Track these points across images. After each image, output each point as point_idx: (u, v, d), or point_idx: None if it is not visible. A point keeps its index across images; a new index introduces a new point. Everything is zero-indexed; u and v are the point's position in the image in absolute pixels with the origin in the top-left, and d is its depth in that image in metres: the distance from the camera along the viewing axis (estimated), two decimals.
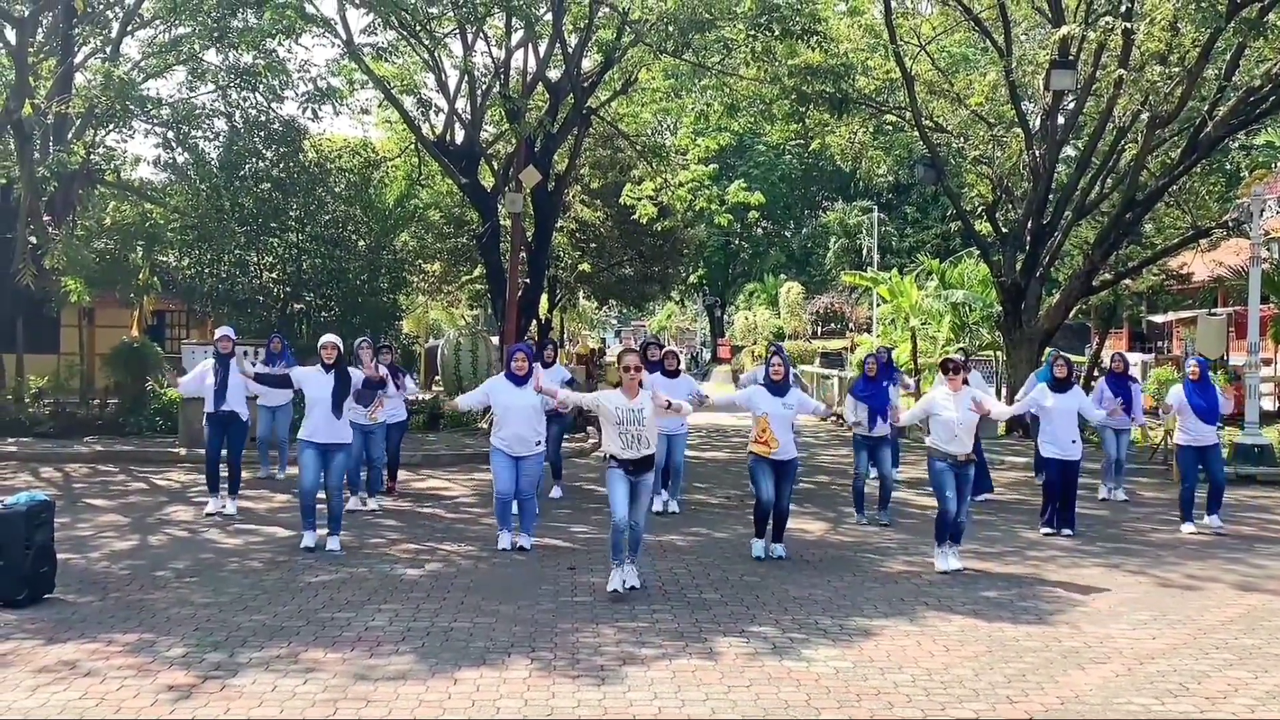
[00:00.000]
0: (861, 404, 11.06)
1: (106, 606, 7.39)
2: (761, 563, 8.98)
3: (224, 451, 11.09)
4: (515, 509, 9.36)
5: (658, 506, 11.11)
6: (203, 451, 11.55)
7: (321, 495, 9.37)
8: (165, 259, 19.81)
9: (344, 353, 9.53)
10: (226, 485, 11.04)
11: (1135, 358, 27.22)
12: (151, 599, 7.59)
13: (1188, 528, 10.72)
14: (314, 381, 9.25)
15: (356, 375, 9.52)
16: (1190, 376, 10.88)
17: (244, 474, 12.48)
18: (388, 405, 11.50)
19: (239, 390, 11.00)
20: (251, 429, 13.11)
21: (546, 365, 11.83)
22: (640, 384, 7.88)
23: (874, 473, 11.28)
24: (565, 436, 16.40)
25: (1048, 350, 13.07)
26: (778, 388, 9.03)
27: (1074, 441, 10.23)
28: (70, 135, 18.13)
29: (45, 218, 17.54)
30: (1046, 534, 10.32)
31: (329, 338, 9.41)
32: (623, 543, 7.74)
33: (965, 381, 8.93)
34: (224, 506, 10.94)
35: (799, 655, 6.47)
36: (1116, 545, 10.05)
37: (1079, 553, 9.63)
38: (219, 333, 11.28)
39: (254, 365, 12.54)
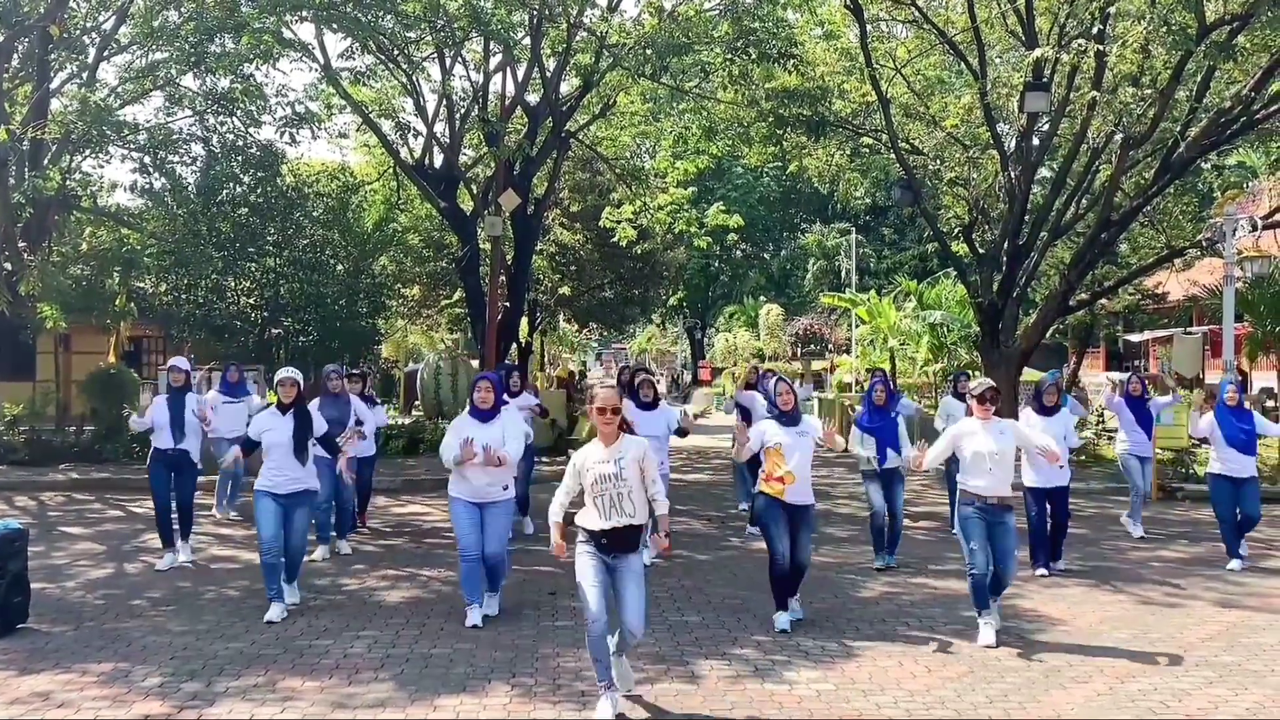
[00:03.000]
0: (868, 438, 9.73)
1: (81, 636, 7.30)
2: (743, 584, 8.93)
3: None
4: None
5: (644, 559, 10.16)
6: None
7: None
8: (142, 285, 19.74)
9: (305, 388, 8.34)
10: (179, 531, 9.89)
11: (1116, 376, 27.38)
12: (127, 628, 7.50)
13: (1235, 564, 9.86)
14: (270, 426, 8.03)
15: (318, 418, 8.35)
16: (1228, 401, 10.01)
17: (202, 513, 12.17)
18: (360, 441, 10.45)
19: (195, 427, 9.94)
20: (212, 467, 12.30)
21: (513, 394, 11.01)
22: (623, 427, 6.06)
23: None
24: (542, 458, 16.23)
25: (1045, 374, 12.05)
26: (789, 417, 7.66)
27: (1061, 466, 9.29)
28: (46, 161, 18.02)
29: (21, 244, 17.41)
30: (1042, 574, 9.45)
31: (286, 374, 8.21)
32: (605, 651, 5.84)
33: (998, 414, 7.64)
34: (177, 557, 9.78)
35: (781, 677, 6.45)
36: (1097, 564, 10.07)
37: (1060, 572, 9.63)
38: (170, 363, 10.24)
39: (213, 392, 12.06)
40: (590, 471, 5.89)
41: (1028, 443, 7.81)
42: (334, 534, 10.45)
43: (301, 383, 8.24)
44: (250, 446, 8.20)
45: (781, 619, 7.59)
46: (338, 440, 8.87)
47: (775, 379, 8.14)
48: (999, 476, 7.36)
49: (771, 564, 7.57)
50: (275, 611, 7.78)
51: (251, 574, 9.35)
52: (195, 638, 7.23)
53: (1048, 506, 9.56)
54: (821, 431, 7.84)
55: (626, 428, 6.10)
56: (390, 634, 7.34)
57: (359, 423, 10.40)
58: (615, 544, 5.84)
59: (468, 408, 7.87)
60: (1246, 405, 10.22)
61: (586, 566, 5.87)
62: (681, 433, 10.15)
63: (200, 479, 10.37)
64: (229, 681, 6.28)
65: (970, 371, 16.57)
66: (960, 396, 11.87)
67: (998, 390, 7.67)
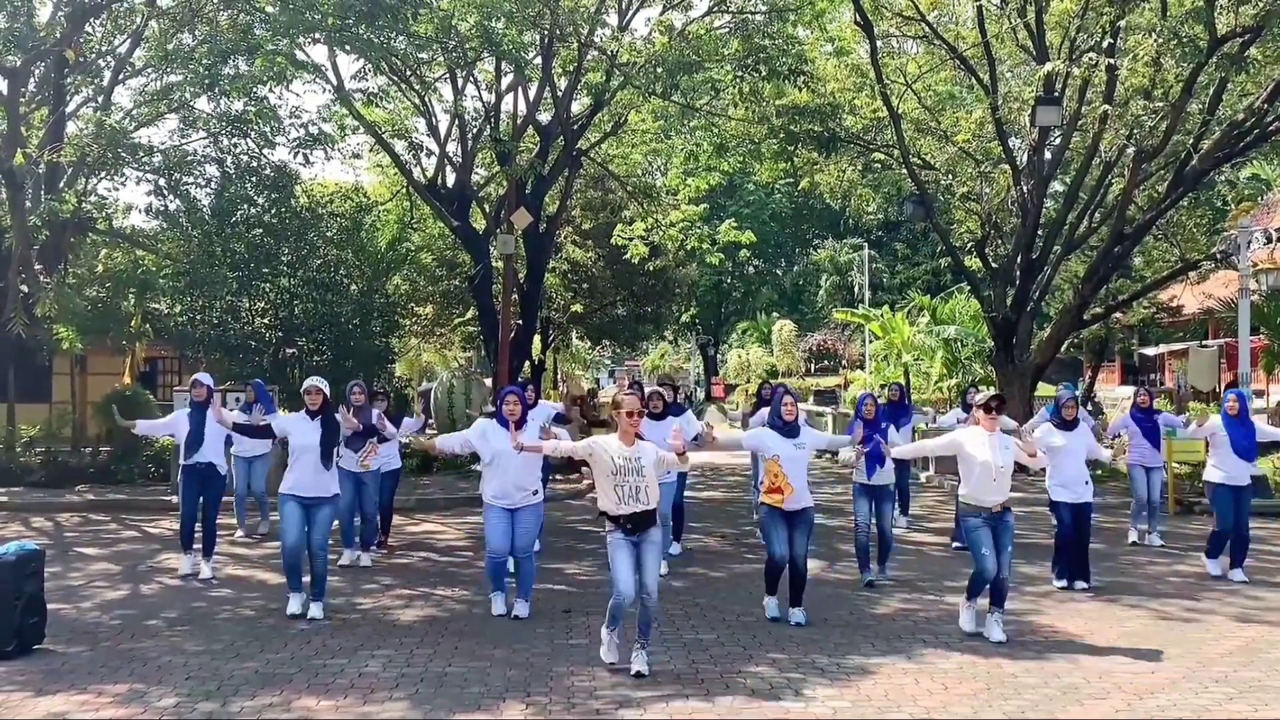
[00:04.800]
0: (846, 438, 9.78)
1: (97, 657, 7.31)
2: (758, 603, 8.88)
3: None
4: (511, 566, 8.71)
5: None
6: None
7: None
8: (157, 306, 19.80)
9: (331, 397, 8.81)
10: (200, 545, 10.19)
11: (1128, 390, 27.24)
12: (143, 648, 7.52)
13: (1212, 565, 10.10)
14: (299, 429, 8.50)
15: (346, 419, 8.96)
16: (1229, 411, 10.13)
17: (233, 521, 12.41)
18: (382, 450, 10.94)
19: (217, 440, 10.24)
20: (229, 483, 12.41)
21: (529, 407, 11.31)
22: (639, 433, 6.99)
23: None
24: (556, 476, 16.15)
25: (1058, 387, 12.11)
26: (789, 428, 8.24)
27: (1086, 483, 9.48)
28: (62, 184, 18.15)
29: (37, 266, 17.52)
30: (1061, 588, 9.50)
31: (313, 382, 8.68)
32: (622, 614, 6.90)
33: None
34: (198, 569, 10.10)
35: (797, 695, 6.42)
36: (1114, 579, 10.00)
37: (1087, 589, 9.52)
38: (194, 378, 10.56)
39: (234, 411, 12.25)
40: (613, 461, 6.79)
41: (1021, 457, 7.95)
42: (358, 540, 10.85)
43: (327, 391, 8.62)
44: (268, 434, 8.99)
45: (771, 604, 8.35)
46: (357, 455, 9.75)
47: (783, 391, 8.55)
48: (1003, 488, 7.76)
49: (768, 559, 8.26)
50: (295, 604, 8.41)
51: (266, 593, 9.38)
52: (211, 658, 7.24)
53: (1077, 522, 9.50)
54: (825, 442, 8.74)
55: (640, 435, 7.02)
56: (405, 653, 7.34)
57: (383, 439, 10.55)
58: (637, 526, 6.81)
59: (495, 417, 8.38)
60: (1250, 415, 10.39)
61: (617, 550, 6.80)
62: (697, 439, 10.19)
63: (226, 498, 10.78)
64: (244, 701, 6.29)
65: (980, 385, 16.53)
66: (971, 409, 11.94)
67: (1003, 400, 7.91)
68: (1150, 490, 11.88)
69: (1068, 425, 9.62)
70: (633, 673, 6.72)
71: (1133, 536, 12.02)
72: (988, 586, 7.76)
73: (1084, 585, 9.48)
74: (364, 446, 10.20)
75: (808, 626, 8.04)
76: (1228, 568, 10.05)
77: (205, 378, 10.46)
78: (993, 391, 8.09)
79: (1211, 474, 10.23)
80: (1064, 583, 9.56)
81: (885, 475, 9.72)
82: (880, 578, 9.85)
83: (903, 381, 26.38)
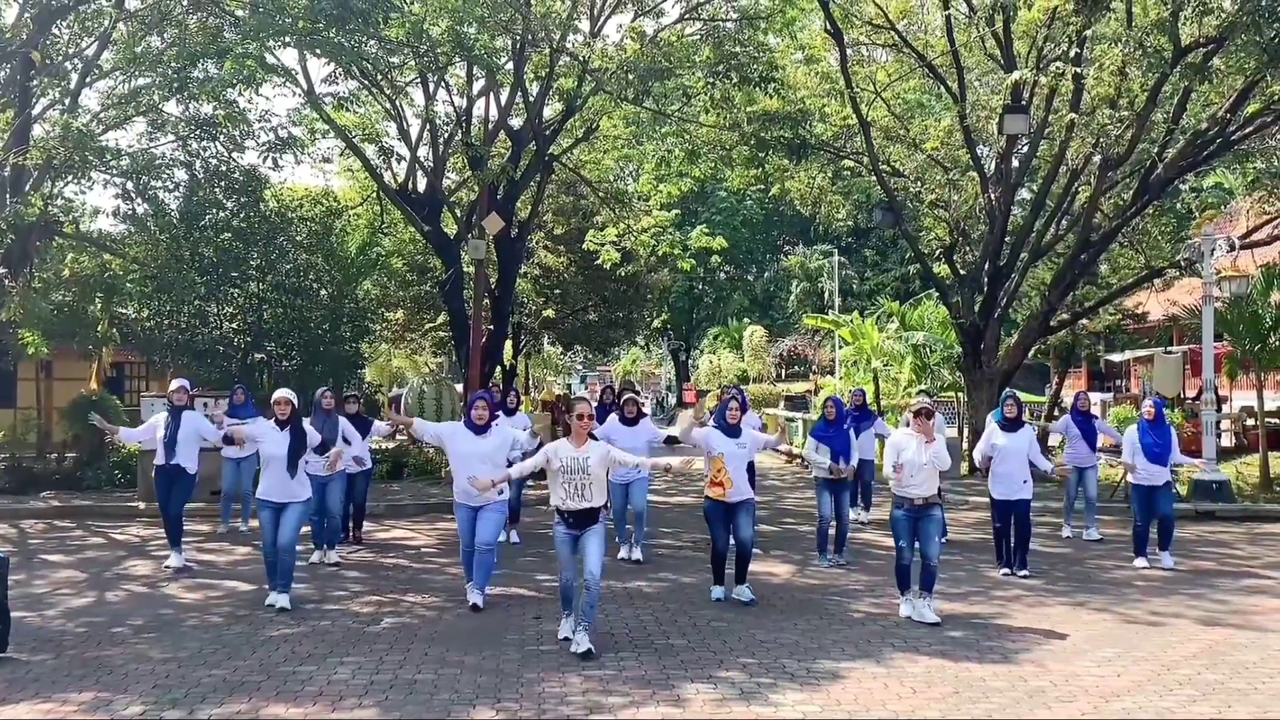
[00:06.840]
0: (823, 446, 10.74)
1: (62, 665, 7.24)
2: (728, 607, 8.94)
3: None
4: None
5: (622, 554, 11.15)
6: None
7: None
8: (124, 310, 19.64)
9: (298, 407, 9.25)
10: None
11: (1095, 397, 27.51)
12: (108, 656, 7.44)
13: (1140, 562, 10.90)
14: (269, 438, 9.05)
15: (313, 433, 9.30)
16: (1145, 416, 11.06)
17: (205, 528, 12.50)
18: (349, 455, 11.34)
19: (190, 444, 10.93)
20: (215, 482, 13.28)
21: (509, 412, 11.79)
22: (591, 434, 7.75)
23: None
24: (530, 482, 16.26)
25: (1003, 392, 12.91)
26: (732, 429, 9.15)
27: (1025, 482, 10.27)
28: (28, 187, 17.95)
29: (2, 270, 17.33)
30: (1005, 575, 10.31)
31: (281, 394, 9.14)
32: (573, 593, 7.67)
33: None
34: (179, 558, 10.80)
35: (766, 700, 6.44)
36: (1080, 583, 10.11)
37: (1043, 591, 9.68)
38: (174, 384, 11.32)
39: (214, 417, 12.49)
40: (561, 460, 7.52)
41: (944, 459, 8.64)
42: (325, 545, 11.26)
43: (295, 401, 9.12)
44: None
45: (717, 590, 9.21)
46: (324, 460, 9.94)
47: (730, 396, 9.61)
48: (926, 484, 8.46)
49: (712, 548, 9.31)
50: (276, 598, 8.85)
51: (234, 601, 9.32)
52: (178, 665, 7.18)
53: (1011, 517, 10.35)
54: (764, 443, 10.11)
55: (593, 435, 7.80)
56: (374, 660, 7.31)
57: (346, 441, 10.96)
58: (579, 521, 7.54)
59: (464, 420, 8.88)
60: (1166, 422, 11.32)
61: (560, 540, 7.63)
62: (671, 440, 10.96)
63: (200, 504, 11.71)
64: (211, 709, 6.24)
65: (930, 391, 16.88)
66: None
67: (931, 409, 8.70)
68: (1086, 487, 12.67)
69: (1010, 425, 10.40)
70: (579, 652, 7.30)
71: (1066, 532, 12.81)
72: (911, 575, 8.55)
73: (1025, 573, 10.24)
74: (330, 452, 10.35)
75: (755, 604, 8.96)
76: (1157, 555, 10.99)
77: (184, 383, 11.25)
78: (924, 400, 8.89)
79: (1130, 475, 11.17)
80: (1007, 570, 10.38)
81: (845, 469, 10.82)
82: (838, 561, 10.91)
83: (871, 387, 26.54)
